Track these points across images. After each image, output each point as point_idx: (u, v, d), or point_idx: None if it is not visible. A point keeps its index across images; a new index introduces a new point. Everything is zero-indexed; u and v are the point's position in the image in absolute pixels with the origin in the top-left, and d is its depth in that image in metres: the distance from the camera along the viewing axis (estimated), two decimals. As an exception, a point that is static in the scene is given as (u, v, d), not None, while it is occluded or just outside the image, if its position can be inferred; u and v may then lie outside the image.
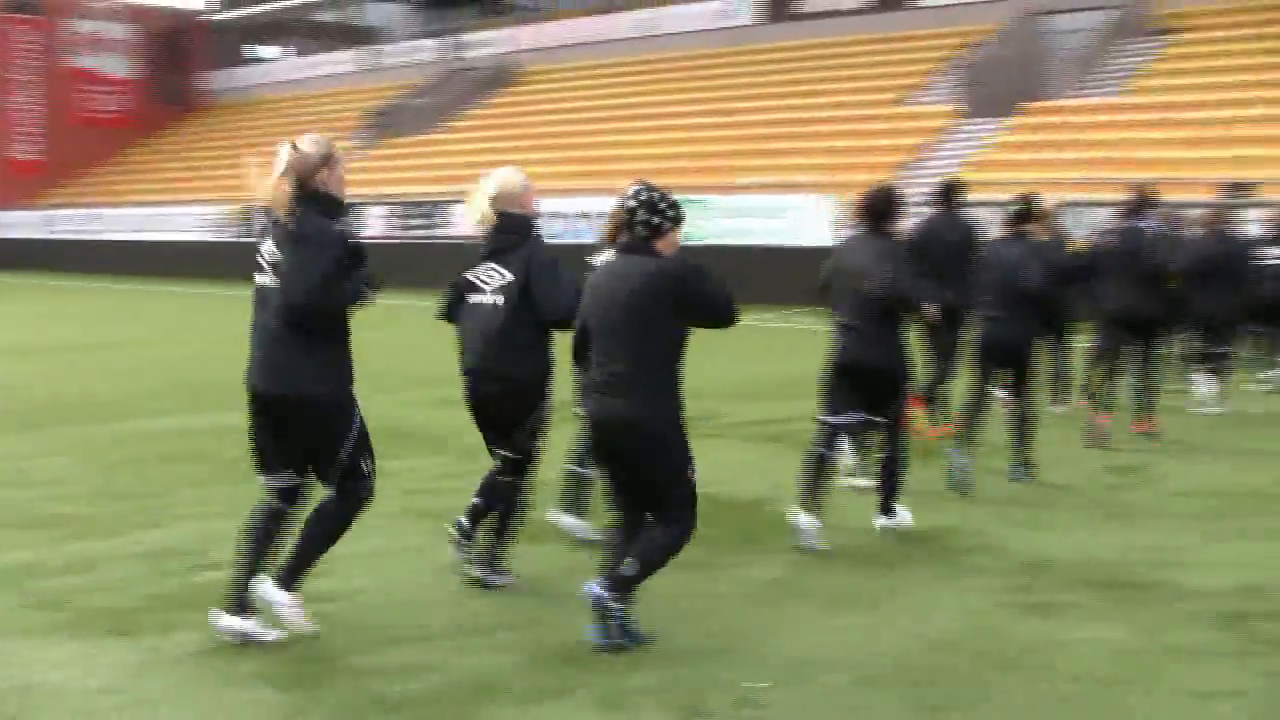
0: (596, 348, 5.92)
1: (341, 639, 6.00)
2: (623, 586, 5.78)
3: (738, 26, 44.76)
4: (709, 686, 5.41)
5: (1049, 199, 10.27)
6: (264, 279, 5.82)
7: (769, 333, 22.16)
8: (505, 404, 6.66)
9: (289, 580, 5.80)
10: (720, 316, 5.97)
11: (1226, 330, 13.11)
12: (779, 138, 36.46)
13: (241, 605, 5.85)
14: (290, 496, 5.97)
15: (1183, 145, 28.07)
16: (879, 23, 40.92)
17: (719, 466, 10.00)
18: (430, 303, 7.07)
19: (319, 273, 5.62)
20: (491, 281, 6.59)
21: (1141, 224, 11.54)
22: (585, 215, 35.06)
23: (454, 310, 6.79)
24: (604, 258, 6.62)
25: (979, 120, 33.56)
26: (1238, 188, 23.67)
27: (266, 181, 5.73)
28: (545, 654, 5.81)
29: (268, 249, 5.82)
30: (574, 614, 6.19)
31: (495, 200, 6.64)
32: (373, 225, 40.50)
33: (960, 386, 10.43)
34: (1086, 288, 11.47)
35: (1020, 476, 9.60)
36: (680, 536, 5.90)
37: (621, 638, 5.78)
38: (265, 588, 5.78)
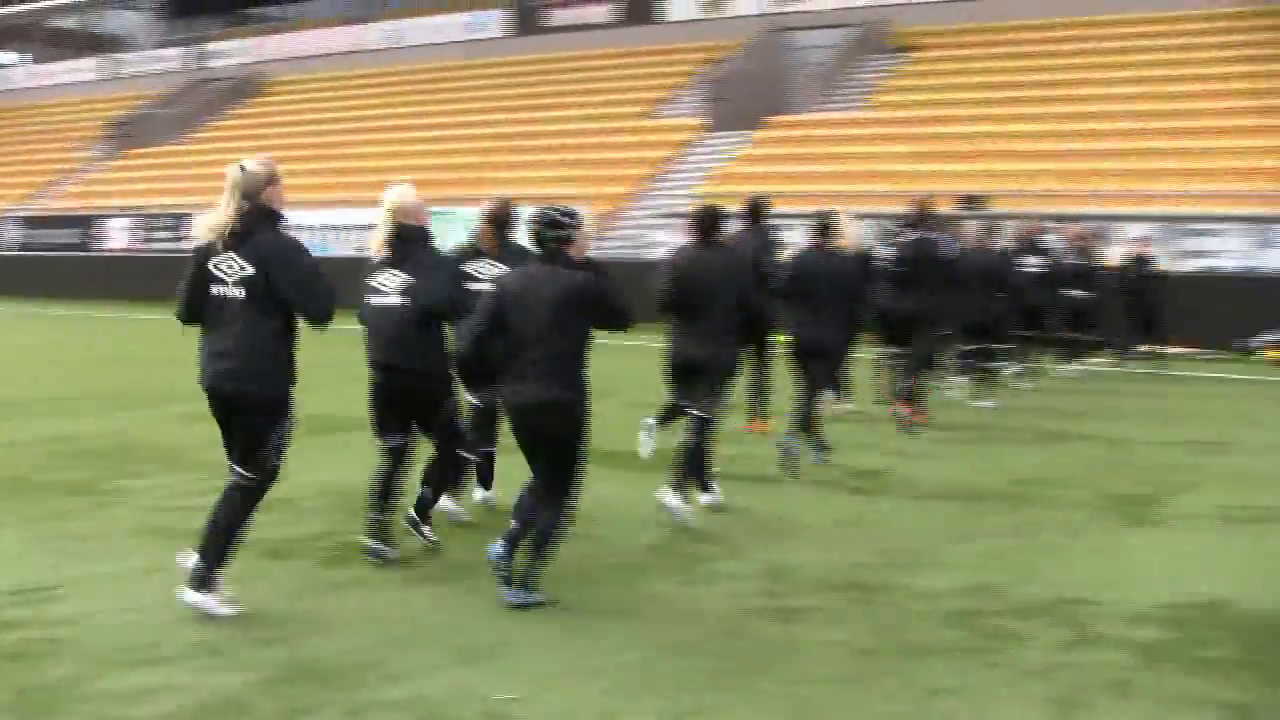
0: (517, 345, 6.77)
1: (75, 663, 5.71)
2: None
3: (487, 39, 44.72)
4: (457, 699, 5.33)
5: (845, 212, 11.21)
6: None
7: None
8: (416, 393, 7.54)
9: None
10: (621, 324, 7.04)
11: (993, 333, 14.19)
12: (528, 150, 36.54)
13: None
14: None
15: (919, 159, 29.09)
16: (626, 36, 41.37)
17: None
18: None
19: (323, 280, 6.58)
20: (392, 284, 7.40)
21: (931, 235, 12.68)
22: (334, 228, 34.56)
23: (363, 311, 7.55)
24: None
25: (724, 134, 34.19)
26: (971, 200, 24.65)
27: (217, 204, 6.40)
28: (289, 672, 5.64)
29: (225, 263, 6.40)
30: (318, 630, 6.14)
31: (395, 213, 7.51)
32: (115, 238, 39.22)
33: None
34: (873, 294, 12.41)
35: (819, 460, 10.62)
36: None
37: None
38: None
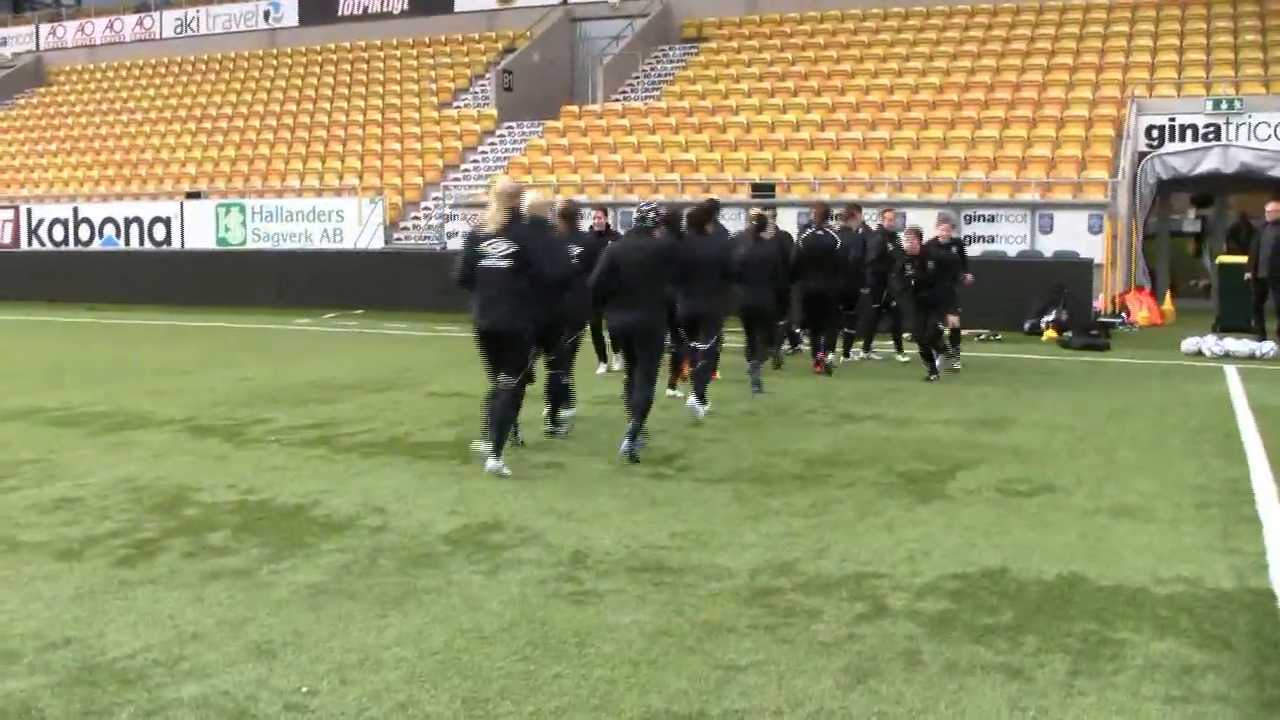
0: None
1: None
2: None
3: (281, 28, 43.82)
4: (257, 694, 5.25)
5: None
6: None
7: (306, 336, 21.82)
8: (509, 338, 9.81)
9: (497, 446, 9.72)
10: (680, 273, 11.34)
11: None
12: (324, 140, 36.03)
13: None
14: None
15: (708, 147, 29.50)
16: (420, 26, 41.00)
17: (262, 472, 9.84)
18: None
19: (562, 254, 10.37)
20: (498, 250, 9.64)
21: (827, 230, 16.08)
22: (136, 220, 33.62)
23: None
24: (494, 247, 9.68)
25: (519, 123, 34.18)
26: (759, 189, 25.08)
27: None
28: (85, 674, 5.49)
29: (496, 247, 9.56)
30: (111, 630, 6.01)
31: (533, 208, 10.28)
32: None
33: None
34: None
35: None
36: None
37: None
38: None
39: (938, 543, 7.74)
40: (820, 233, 16.05)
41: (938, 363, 15.56)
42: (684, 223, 12.26)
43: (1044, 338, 20.74)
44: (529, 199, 10.17)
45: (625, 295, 10.51)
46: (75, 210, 34.21)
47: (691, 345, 12.74)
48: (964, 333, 17.70)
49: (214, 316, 25.73)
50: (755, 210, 16.24)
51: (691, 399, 12.59)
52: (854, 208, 17.69)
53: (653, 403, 10.62)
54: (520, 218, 9.78)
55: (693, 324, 12.59)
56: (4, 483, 9.50)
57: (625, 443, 10.25)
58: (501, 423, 9.72)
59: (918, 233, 15.96)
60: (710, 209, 13.19)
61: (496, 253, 9.56)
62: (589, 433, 11.59)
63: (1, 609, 6.43)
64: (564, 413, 11.50)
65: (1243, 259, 21.19)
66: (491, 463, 9.63)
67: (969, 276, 16.40)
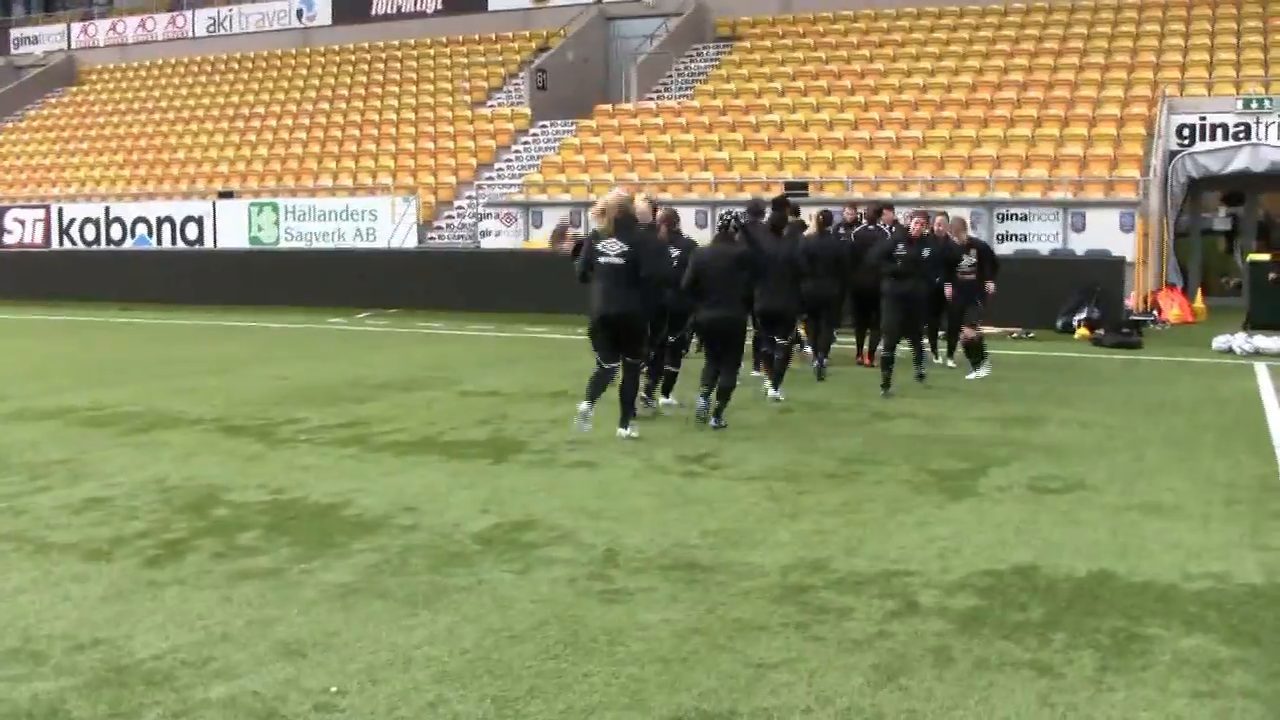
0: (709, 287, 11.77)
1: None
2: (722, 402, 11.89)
3: (314, 27, 43.95)
4: (286, 694, 5.28)
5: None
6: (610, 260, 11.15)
7: (339, 335, 21.92)
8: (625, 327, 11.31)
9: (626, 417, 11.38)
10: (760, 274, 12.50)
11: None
12: (357, 139, 36.14)
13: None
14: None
15: (741, 146, 29.49)
16: (454, 25, 41.06)
17: (293, 472, 9.89)
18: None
19: (665, 257, 11.69)
20: (614, 250, 11.18)
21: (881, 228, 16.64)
22: (158, 220, 33.74)
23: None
24: (609, 247, 11.25)
25: (552, 122, 34.22)
26: (792, 188, 25.07)
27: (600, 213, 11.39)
28: (112, 675, 5.52)
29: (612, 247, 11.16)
30: (140, 631, 6.02)
31: (642, 215, 11.93)
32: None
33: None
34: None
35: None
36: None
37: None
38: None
39: (968, 540, 7.74)
40: (873, 229, 16.64)
41: (889, 387, 14.07)
42: (760, 224, 13.30)
43: (1076, 336, 20.67)
44: (639, 206, 11.93)
45: (710, 295, 11.71)
46: (107, 210, 34.45)
47: (770, 338, 13.78)
48: (996, 331, 17.66)
49: (246, 316, 25.86)
50: (822, 209, 16.86)
51: (769, 386, 13.60)
52: (885, 207, 17.68)
53: (734, 389, 11.99)
54: (632, 222, 11.33)
55: (770, 319, 13.58)
56: (34, 483, 9.58)
57: (713, 420, 11.76)
58: (629, 399, 11.36)
59: (926, 216, 15.25)
60: (783, 215, 14.02)
61: (612, 252, 11.10)
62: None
63: (30, 610, 6.48)
64: (663, 400, 12.89)
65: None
66: (622, 432, 11.23)
67: (990, 285, 16.15)
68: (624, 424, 11.28)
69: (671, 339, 12.72)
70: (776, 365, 13.57)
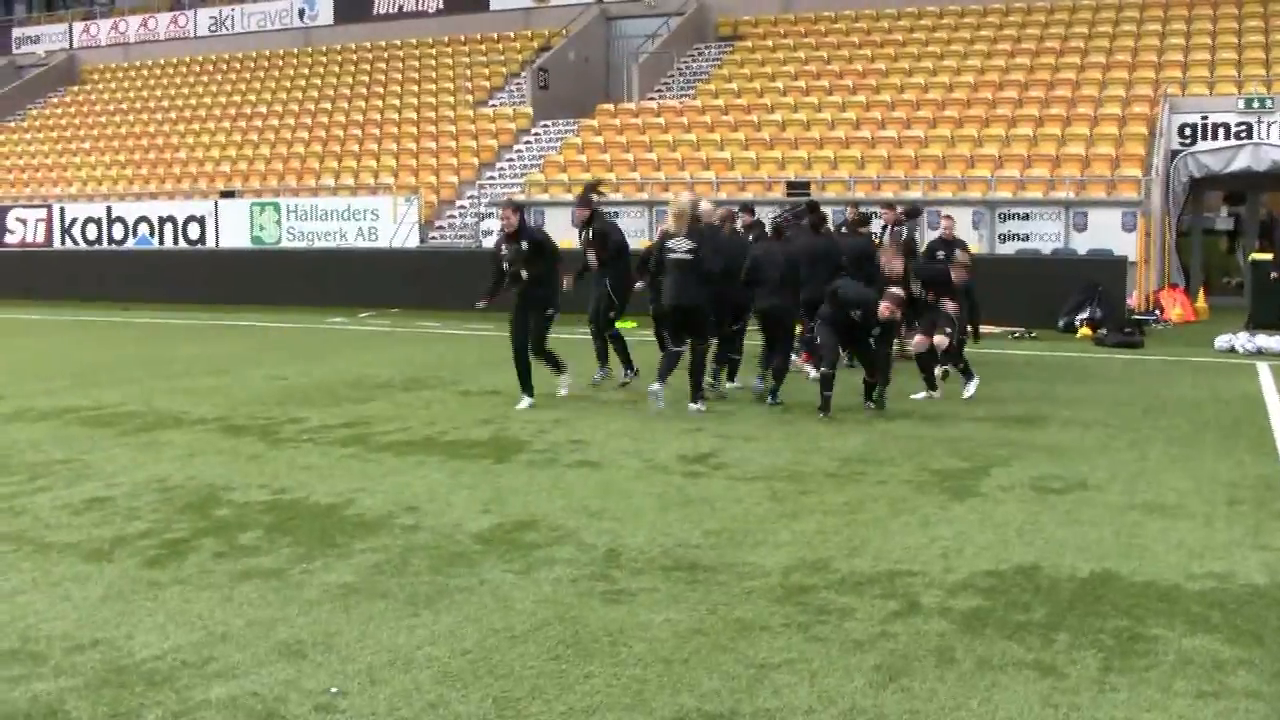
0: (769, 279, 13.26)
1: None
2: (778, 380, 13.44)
3: (315, 26, 43.90)
4: (286, 695, 5.27)
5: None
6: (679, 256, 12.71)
7: (340, 335, 21.90)
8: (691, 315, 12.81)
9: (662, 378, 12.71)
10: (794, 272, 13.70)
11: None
12: (359, 139, 36.12)
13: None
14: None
15: (743, 145, 29.47)
16: (455, 24, 41.02)
17: (294, 472, 9.89)
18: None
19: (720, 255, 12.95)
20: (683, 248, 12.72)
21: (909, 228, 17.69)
22: (160, 219, 33.68)
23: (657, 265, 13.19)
24: (678, 245, 12.83)
25: (554, 121, 34.20)
26: (794, 187, 25.04)
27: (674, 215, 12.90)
28: (112, 675, 5.52)
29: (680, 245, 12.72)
30: (140, 631, 6.02)
31: (705, 215, 13.41)
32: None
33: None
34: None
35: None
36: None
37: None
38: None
39: (971, 540, 7.73)
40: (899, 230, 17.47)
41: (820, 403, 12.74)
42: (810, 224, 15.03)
43: (1078, 335, 20.64)
44: (704, 207, 13.56)
45: (764, 286, 13.20)
46: (109, 209, 34.42)
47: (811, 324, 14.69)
48: (995, 330, 17.58)
49: (248, 316, 25.84)
50: (856, 208, 17.88)
51: (809, 368, 14.50)
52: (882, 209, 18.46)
53: (787, 370, 13.50)
54: (699, 223, 12.91)
55: (812, 307, 14.15)
56: (35, 483, 9.57)
57: (770, 398, 13.23)
58: (697, 378, 12.82)
59: (890, 206, 17.38)
60: (820, 216, 15.53)
61: (680, 249, 12.67)
62: (626, 432, 11.64)
63: (30, 610, 6.47)
64: (728, 384, 14.12)
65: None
66: (692, 406, 12.67)
67: (950, 304, 13.71)
68: (695, 399, 12.75)
69: (735, 327, 13.90)
70: (816, 347, 14.02)
